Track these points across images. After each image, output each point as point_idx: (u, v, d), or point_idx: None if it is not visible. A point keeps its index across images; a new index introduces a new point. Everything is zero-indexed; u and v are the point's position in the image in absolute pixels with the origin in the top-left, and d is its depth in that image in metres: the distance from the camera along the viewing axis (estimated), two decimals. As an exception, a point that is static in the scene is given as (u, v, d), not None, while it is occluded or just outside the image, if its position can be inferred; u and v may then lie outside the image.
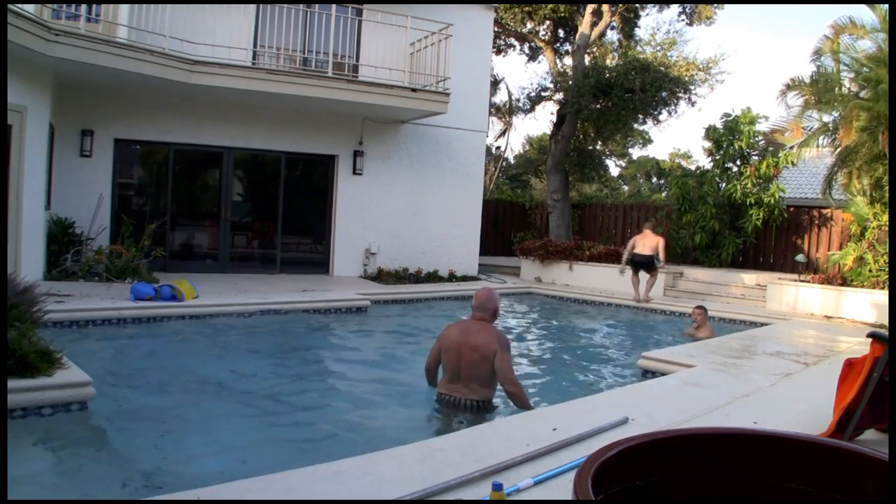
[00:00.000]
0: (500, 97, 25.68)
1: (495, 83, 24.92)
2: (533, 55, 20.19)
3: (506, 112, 24.70)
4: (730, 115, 13.66)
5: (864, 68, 10.45)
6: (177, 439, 4.19)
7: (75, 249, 9.47)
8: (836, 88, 10.64)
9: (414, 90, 10.95)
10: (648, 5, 18.24)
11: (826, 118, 11.35)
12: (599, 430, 3.67)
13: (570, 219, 17.05)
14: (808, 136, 11.83)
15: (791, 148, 12.43)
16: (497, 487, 2.41)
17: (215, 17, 10.19)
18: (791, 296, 10.37)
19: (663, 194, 21.48)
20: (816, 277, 10.59)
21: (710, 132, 13.86)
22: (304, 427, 4.68)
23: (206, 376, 5.75)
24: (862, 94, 10.35)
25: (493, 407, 4.67)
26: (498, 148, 27.68)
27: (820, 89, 10.85)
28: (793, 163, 13.14)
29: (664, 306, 10.68)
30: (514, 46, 20.32)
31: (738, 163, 13.58)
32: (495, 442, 3.44)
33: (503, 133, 26.70)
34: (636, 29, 18.86)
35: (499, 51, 20.19)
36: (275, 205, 12.03)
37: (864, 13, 10.86)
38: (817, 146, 11.90)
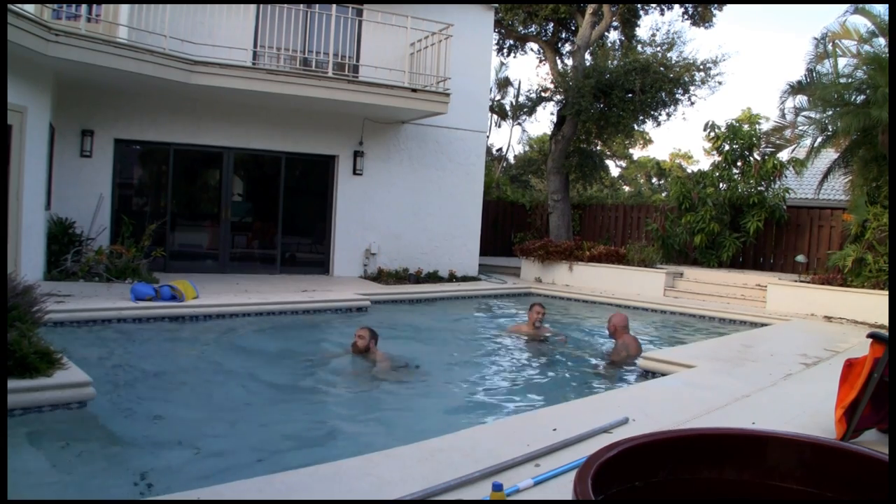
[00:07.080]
0: (508, 99, 25.71)
1: (507, 84, 24.86)
2: (523, 49, 20.13)
3: (513, 113, 24.64)
4: (733, 121, 13.64)
5: (859, 71, 10.45)
6: (176, 439, 4.19)
7: (75, 249, 9.47)
8: (833, 88, 10.62)
9: (414, 90, 10.94)
10: (650, 6, 18.19)
11: (819, 117, 11.34)
12: (599, 430, 3.67)
13: (571, 219, 17.03)
14: (805, 136, 11.85)
15: (792, 151, 12.47)
16: (497, 487, 2.41)
17: (215, 18, 10.19)
18: (791, 296, 10.35)
19: (664, 195, 21.46)
20: (816, 278, 10.58)
21: (712, 132, 13.83)
22: (304, 427, 4.68)
23: (206, 377, 5.76)
24: (856, 99, 10.35)
25: None
26: (499, 149, 27.65)
27: (815, 94, 10.85)
28: (797, 171, 13.18)
29: (664, 307, 10.68)
30: (517, 47, 20.29)
31: (740, 164, 13.57)
32: (495, 442, 3.44)
33: (500, 122, 26.44)
34: (636, 29, 18.82)
35: (499, 50, 20.16)
36: (275, 205, 12.02)
37: (857, 20, 10.79)
38: (814, 149, 11.89)
